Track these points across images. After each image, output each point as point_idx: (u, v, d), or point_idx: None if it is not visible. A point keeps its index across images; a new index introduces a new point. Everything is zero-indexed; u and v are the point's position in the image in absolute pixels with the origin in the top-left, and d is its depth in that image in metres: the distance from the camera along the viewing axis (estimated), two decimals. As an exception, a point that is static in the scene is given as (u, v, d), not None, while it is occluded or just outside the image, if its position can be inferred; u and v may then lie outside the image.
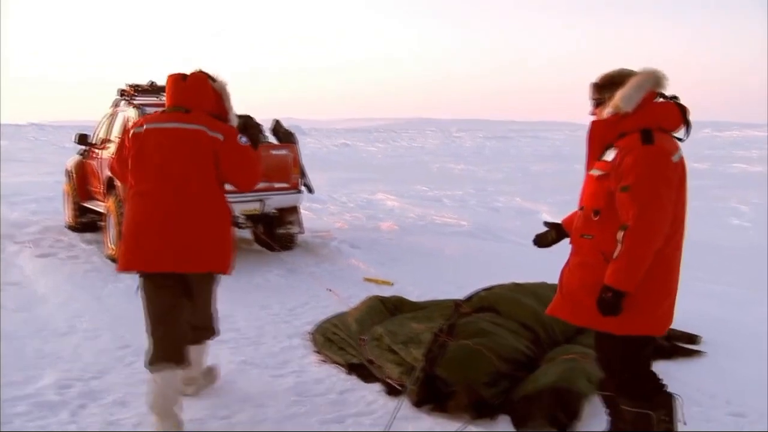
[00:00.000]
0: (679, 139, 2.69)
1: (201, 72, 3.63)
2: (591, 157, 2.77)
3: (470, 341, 3.77)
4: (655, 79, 2.64)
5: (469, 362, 3.64)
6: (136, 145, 3.46)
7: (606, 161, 2.63)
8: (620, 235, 2.53)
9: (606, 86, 2.72)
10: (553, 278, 5.68)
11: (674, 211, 2.56)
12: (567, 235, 3.04)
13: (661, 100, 2.68)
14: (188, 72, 3.62)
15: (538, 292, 4.58)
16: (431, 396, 3.61)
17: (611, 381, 2.81)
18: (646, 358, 2.75)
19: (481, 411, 3.47)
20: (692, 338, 4.47)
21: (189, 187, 3.38)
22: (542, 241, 3.22)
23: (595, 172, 2.69)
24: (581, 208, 2.77)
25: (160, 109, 3.69)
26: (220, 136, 3.45)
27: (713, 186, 15.43)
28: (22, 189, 12.99)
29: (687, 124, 2.66)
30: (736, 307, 5.26)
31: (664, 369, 3.97)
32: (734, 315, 5.00)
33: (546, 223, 3.25)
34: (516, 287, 4.66)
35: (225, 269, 3.55)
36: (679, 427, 2.72)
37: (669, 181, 2.52)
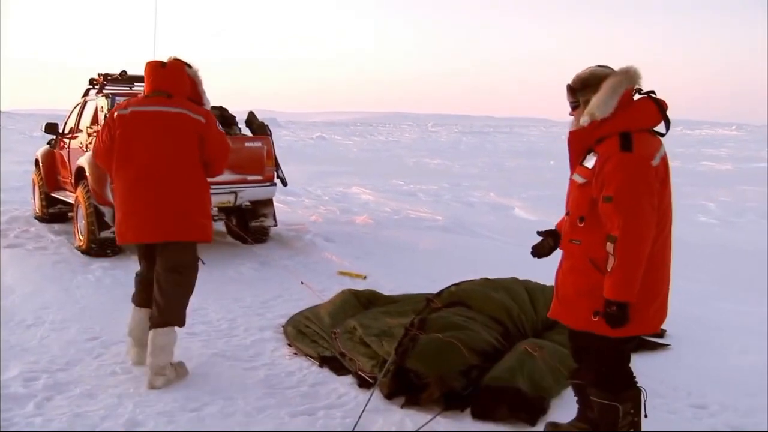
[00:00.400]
0: (661, 134, 2.70)
1: (177, 59, 3.87)
2: (573, 162, 2.80)
3: (441, 335, 3.80)
4: (628, 78, 2.64)
5: (441, 354, 3.67)
6: (122, 126, 3.73)
7: (587, 168, 2.65)
8: (610, 246, 2.55)
9: (579, 89, 2.73)
10: (525, 272, 5.78)
11: (657, 212, 2.58)
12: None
13: (638, 96, 2.68)
14: (164, 60, 3.86)
15: (507, 286, 4.63)
16: (403, 388, 3.63)
17: (586, 373, 2.86)
18: (625, 355, 2.82)
19: (452, 402, 3.50)
20: (658, 333, 4.56)
21: (176, 166, 3.72)
22: (541, 251, 3.10)
23: (578, 179, 2.72)
24: (567, 213, 2.81)
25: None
26: (202, 119, 3.80)
27: (682, 183, 15.70)
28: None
29: (666, 119, 2.67)
30: (701, 302, 5.37)
31: (635, 359, 4.09)
32: (699, 310, 5.10)
33: (540, 233, 3.13)
34: (486, 282, 4.71)
35: (206, 237, 3.91)
36: (641, 419, 2.78)
37: (650, 188, 2.54)
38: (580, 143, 2.73)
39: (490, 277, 5.51)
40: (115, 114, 3.78)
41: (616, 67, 2.70)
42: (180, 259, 3.84)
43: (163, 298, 3.80)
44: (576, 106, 2.77)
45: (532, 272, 6.20)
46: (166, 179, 3.71)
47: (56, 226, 8.53)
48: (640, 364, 3.78)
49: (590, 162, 2.64)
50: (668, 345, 4.40)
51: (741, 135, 65.02)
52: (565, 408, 3.43)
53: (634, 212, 2.50)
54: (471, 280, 4.80)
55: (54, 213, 8.79)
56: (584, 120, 2.65)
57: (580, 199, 2.69)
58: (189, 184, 3.78)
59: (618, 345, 2.73)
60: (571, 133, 2.77)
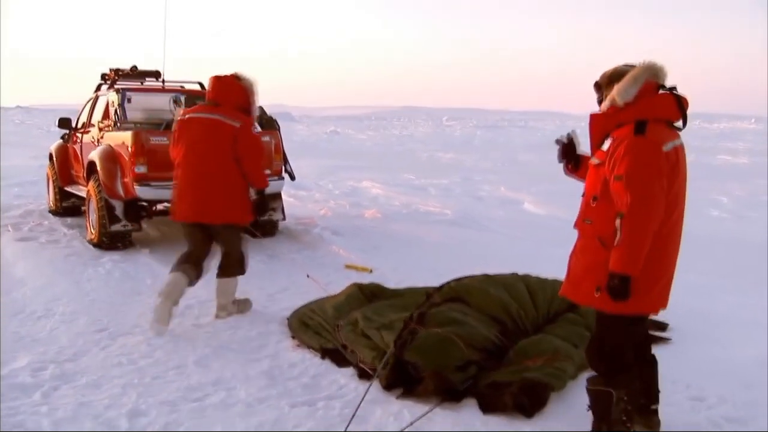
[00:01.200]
0: (679, 129, 2.83)
1: (232, 75, 4.88)
2: (593, 146, 2.95)
3: (440, 329, 3.83)
4: (651, 72, 2.79)
5: (439, 349, 3.70)
6: (179, 129, 4.88)
7: (602, 150, 2.82)
8: (618, 222, 2.71)
9: (605, 85, 2.89)
10: (530, 265, 5.77)
11: (667, 196, 2.72)
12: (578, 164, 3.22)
13: (661, 91, 2.81)
14: (226, 74, 4.90)
15: (507, 283, 4.64)
16: (401, 380, 3.67)
17: (589, 351, 3.00)
18: (629, 338, 2.91)
19: (449, 396, 3.53)
20: (660, 325, 4.56)
21: (209, 162, 4.72)
22: (567, 149, 3.24)
23: (594, 161, 2.88)
24: (583, 195, 2.96)
25: (142, 94, 4.09)
26: (237, 124, 4.72)
27: (697, 177, 15.49)
28: (6, 173, 12.92)
29: (683, 114, 2.80)
30: (706, 295, 5.33)
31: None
32: (703, 303, 5.07)
33: (557, 140, 3.29)
34: (486, 278, 4.72)
35: (240, 220, 5.00)
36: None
37: (658, 170, 2.68)
38: (600, 128, 2.88)
39: (495, 270, 5.53)
40: (179, 120, 4.93)
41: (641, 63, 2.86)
42: (224, 235, 4.93)
43: (224, 259, 4.99)
44: (602, 102, 2.93)
45: (538, 266, 6.23)
46: (206, 173, 4.72)
47: (69, 220, 8.66)
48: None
49: (606, 145, 2.82)
50: (669, 339, 4.39)
51: (760, 128, 64.07)
52: (565, 407, 3.47)
53: (642, 190, 2.65)
54: (472, 276, 4.82)
55: (67, 207, 8.92)
56: (605, 105, 2.84)
57: (595, 179, 2.84)
58: (223, 177, 4.73)
59: (622, 324, 2.85)
60: (592, 116, 2.92)
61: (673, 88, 2.82)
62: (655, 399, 3.11)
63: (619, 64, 2.92)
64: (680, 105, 2.79)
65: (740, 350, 3.98)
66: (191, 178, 4.76)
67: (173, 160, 4.92)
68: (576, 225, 3.00)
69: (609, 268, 2.72)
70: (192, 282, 4.81)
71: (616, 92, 2.78)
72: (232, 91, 4.83)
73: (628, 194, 2.66)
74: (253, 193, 4.98)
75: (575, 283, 2.94)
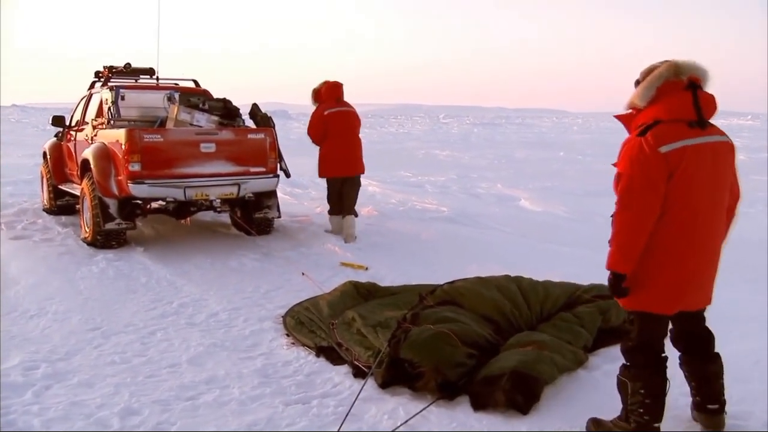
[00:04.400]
0: (703, 126, 2.83)
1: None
2: None
3: (434, 326, 3.82)
4: (669, 71, 2.85)
5: (435, 344, 3.69)
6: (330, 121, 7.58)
7: None
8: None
9: (639, 82, 2.96)
10: (526, 262, 5.73)
11: (671, 194, 2.77)
12: None
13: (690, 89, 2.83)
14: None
15: (500, 285, 4.62)
16: (397, 378, 3.65)
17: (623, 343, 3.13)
18: (651, 334, 2.98)
19: (446, 391, 3.51)
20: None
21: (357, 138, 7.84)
22: None
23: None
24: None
25: (136, 92, 3.97)
26: (353, 109, 7.82)
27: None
28: (1, 171, 12.85)
29: (699, 114, 2.82)
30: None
31: (615, 352, 4.08)
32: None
33: None
34: (479, 281, 4.72)
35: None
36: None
37: (646, 171, 2.74)
38: (628, 127, 2.99)
39: (492, 267, 5.52)
40: (326, 113, 7.57)
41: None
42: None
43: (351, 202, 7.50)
44: None
45: (534, 262, 6.22)
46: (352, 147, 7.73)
47: (64, 218, 8.62)
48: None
49: None
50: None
51: (756, 124, 64.22)
52: (560, 403, 3.46)
53: (629, 190, 2.78)
54: (464, 279, 4.84)
55: (62, 205, 8.87)
56: (627, 105, 2.97)
57: (615, 177, 2.92)
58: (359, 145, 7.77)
59: (638, 321, 2.98)
60: (616, 116, 3.09)
61: (698, 87, 2.85)
62: (713, 399, 3.12)
63: (656, 62, 2.98)
64: (697, 103, 2.81)
65: (735, 346, 3.94)
66: (347, 149, 7.77)
67: (316, 140, 7.67)
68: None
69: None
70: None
71: (635, 96, 2.90)
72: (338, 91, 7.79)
73: (618, 192, 2.81)
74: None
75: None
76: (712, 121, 2.93)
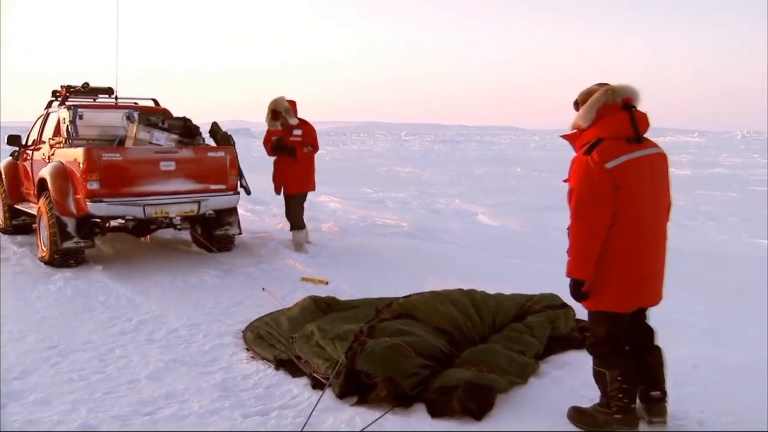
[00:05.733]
0: (637, 141, 3.15)
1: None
2: None
3: (389, 339, 3.94)
4: (608, 96, 3.16)
5: (389, 356, 3.80)
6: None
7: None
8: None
9: (579, 104, 3.27)
10: (483, 275, 5.88)
11: (619, 204, 3.05)
12: None
13: (625, 109, 3.15)
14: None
15: (454, 299, 4.76)
16: (354, 389, 3.74)
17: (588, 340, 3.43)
18: (612, 330, 3.25)
19: (400, 402, 3.62)
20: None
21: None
22: None
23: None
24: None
25: (93, 111, 3.87)
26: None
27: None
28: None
29: (635, 131, 3.15)
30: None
31: (574, 358, 4.25)
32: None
33: None
34: (433, 295, 4.86)
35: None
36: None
37: (595, 186, 3.04)
38: (575, 145, 3.26)
39: (449, 280, 5.67)
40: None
41: (614, 82, 3.24)
42: None
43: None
44: None
45: (490, 275, 6.40)
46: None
47: (20, 238, 8.52)
48: (586, 359, 3.94)
49: None
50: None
51: (702, 141, 66.67)
52: (514, 410, 3.59)
53: (579, 204, 3.08)
54: (420, 293, 4.99)
55: (18, 225, 8.77)
56: (572, 126, 3.27)
57: (568, 192, 3.19)
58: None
59: (599, 319, 3.28)
60: (564, 136, 3.38)
61: (632, 107, 3.18)
62: (654, 386, 3.37)
63: (592, 85, 3.28)
64: (633, 122, 3.14)
65: (674, 351, 4.16)
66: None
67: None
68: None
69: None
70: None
71: (578, 118, 3.20)
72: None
73: (571, 207, 3.10)
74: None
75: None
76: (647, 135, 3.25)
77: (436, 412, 3.53)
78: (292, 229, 8.06)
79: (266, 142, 8.10)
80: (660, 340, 4.49)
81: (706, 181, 18.31)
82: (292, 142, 7.89)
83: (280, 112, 7.88)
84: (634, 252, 3.14)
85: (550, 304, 4.79)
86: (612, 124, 3.14)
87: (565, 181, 3.25)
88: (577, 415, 3.43)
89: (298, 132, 7.96)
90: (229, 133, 8.02)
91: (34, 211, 7.66)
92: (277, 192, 8.14)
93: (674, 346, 4.46)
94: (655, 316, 5.14)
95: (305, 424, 3.35)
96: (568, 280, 3.23)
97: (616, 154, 3.07)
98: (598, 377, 3.32)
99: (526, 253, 7.81)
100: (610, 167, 3.04)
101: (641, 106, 3.25)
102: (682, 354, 4.20)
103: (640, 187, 3.13)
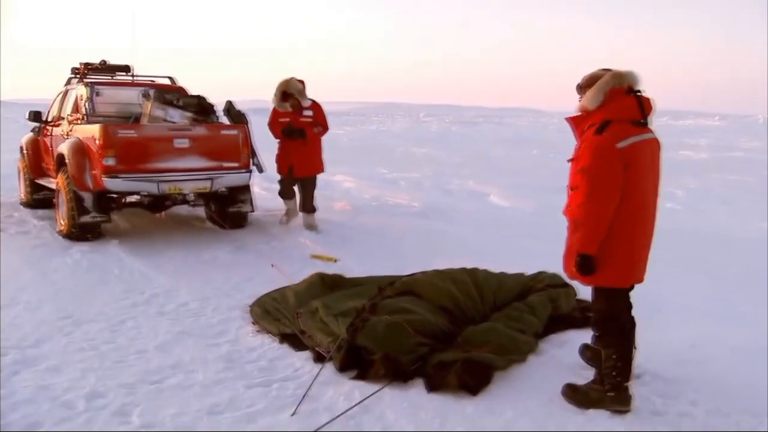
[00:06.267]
0: (644, 125, 3.24)
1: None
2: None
3: (390, 316, 4.03)
4: (616, 80, 3.24)
5: (389, 333, 3.89)
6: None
7: (576, 147, 3.30)
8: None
9: (584, 87, 3.35)
10: (492, 255, 5.91)
11: (627, 184, 3.14)
12: None
13: (632, 93, 3.24)
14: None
15: (455, 277, 4.83)
16: (354, 363, 3.84)
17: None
18: (613, 308, 3.37)
19: (398, 377, 3.71)
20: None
21: None
22: None
23: (573, 156, 3.35)
24: (568, 185, 3.36)
25: (112, 88, 3.95)
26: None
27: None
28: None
29: (643, 114, 3.24)
30: (651, 283, 5.55)
31: (574, 337, 4.31)
32: (647, 290, 5.29)
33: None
34: (436, 274, 4.93)
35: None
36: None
37: (608, 165, 3.12)
38: (578, 128, 3.36)
39: (458, 260, 5.72)
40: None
41: (617, 67, 3.32)
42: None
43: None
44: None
45: (499, 255, 6.44)
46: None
47: (40, 212, 8.70)
48: (585, 339, 4.00)
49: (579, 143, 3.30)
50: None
51: (723, 125, 65.40)
52: (511, 388, 3.65)
53: (593, 182, 3.15)
54: (423, 272, 5.04)
55: (39, 199, 8.95)
56: (578, 108, 3.33)
57: (573, 172, 3.29)
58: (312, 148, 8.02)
59: (602, 296, 3.39)
60: (569, 119, 3.43)
61: (638, 91, 3.25)
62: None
63: (597, 69, 3.36)
64: (641, 106, 3.22)
65: (674, 333, 4.21)
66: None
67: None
68: (564, 212, 3.40)
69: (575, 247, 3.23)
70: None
71: (585, 99, 3.28)
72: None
73: (583, 184, 3.17)
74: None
75: (565, 261, 3.41)
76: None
77: (433, 387, 3.62)
78: (302, 210, 8.09)
79: (272, 123, 8.04)
80: (661, 321, 4.54)
81: (722, 165, 18.05)
82: (302, 123, 7.90)
83: (292, 93, 7.89)
84: (635, 230, 3.25)
85: (552, 283, 4.85)
86: (621, 106, 3.23)
87: (569, 161, 3.35)
88: (571, 392, 3.51)
89: (308, 113, 7.96)
90: (242, 112, 8.10)
91: (53, 186, 7.83)
92: (284, 174, 8.04)
93: (675, 326, 4.51)
94: (657, 298, 5.18)
95: (305, 395, 3.46)
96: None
97: (625, 135, 3.16)
98: (596, 355, 3.44)
99: (536, 233, 7.83)
100: (621, 147, 3.13)
101: (649, 91, 3.33)
102: (682, 335, 4.24)
103: (644, 167, 3.23)
